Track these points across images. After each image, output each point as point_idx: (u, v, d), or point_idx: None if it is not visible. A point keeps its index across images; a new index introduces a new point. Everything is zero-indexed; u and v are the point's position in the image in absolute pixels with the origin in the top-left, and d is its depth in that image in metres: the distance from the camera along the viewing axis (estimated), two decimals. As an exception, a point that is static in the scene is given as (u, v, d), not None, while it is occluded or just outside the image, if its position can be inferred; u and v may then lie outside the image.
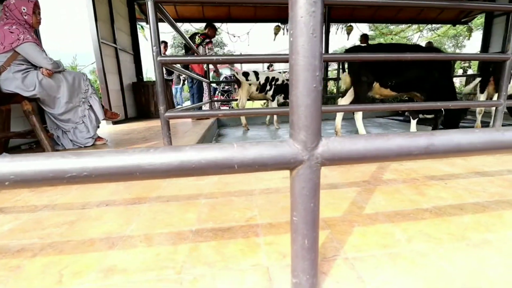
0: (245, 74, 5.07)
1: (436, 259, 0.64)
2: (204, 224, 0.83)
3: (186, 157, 0.42)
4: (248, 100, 4.97)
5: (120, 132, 3.26)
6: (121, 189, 1.20)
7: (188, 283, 0.58)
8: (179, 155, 0.42)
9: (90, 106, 2.32)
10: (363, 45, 3.10)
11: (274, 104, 5.04)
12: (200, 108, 4.59)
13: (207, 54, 4.39)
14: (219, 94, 8.10)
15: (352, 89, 3.05)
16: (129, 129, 3.43)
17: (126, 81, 4.80)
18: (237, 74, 4.91)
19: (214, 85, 8.47)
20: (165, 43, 5.49)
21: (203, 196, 1.06)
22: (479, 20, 11.98)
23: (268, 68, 7.63)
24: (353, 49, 3.12)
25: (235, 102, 5.23)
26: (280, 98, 5.09)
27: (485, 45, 6.84)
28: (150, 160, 0.41)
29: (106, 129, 3.59)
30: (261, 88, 4.98)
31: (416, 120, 2.98)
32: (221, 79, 8.02)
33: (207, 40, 4.31)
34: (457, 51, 21.90)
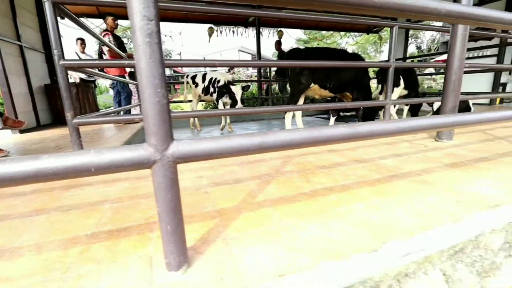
0: (194, 77, 5.02)
1: (296, 229, 0.82)
2: (102, 227, 0.87)
3: (44, 165, 0.47)
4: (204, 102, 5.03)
5: (28, 141, 2.90)
6: (17, 203, 1.12)
7: (72, 280, 0.62)
8: (37, 163, 0.47)
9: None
10: (301, 47, 3.39)
11: (220, 107, 4.58)
12: (128, 112, 4.36)
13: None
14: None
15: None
16: (41, 138, 3.07)
17: (36, 83, 4.24)
18: (187, 77, 5.02)
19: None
20: (82, 40, 4.99)
21: (109, 202, 1.08)
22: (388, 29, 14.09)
23: (229, 70, 7.47)
24: (293, 52, 3.41)
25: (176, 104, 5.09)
26: (226, 100, 4.52)
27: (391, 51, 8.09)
28: (6, 170, 0.46)
29: (11, 139, 3.13)
30: (206, 90, 4.77)
31: (335, 117, 3.43)
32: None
33: (105, 33, 4.04)
34: (377, 55, 25.33)
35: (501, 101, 5.52)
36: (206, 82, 4.80)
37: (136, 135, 3.21)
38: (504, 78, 6.01)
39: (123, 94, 4.16)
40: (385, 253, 0.72)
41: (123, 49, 4.32)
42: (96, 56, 6.61)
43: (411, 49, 23.38)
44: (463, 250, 0.88)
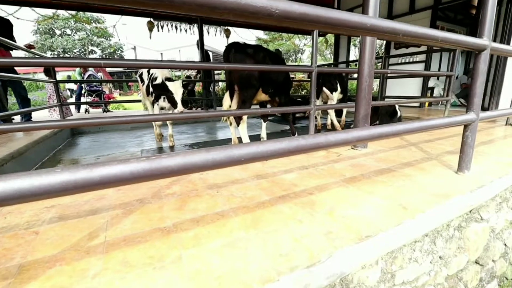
0: (141, 74, 3.76)
1: (99, 297, 0.61)
2: None
3: None
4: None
5: None
6: None
7: None
8: None
9: None
10: (241, 42, 2.95)
11: (155, 111, 3.52)
12: (28, 116, 3.79)
13: None
14: (86, 94, 6.91)
15: (236, 96, 2.93)
16: None
17: None
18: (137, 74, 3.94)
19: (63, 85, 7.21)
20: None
21: None
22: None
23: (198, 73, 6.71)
24: (234, 46, 2.81)
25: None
26: (165, 104, 3.43)
27: (336, 55, 8.40)
28: None
29: None
30: (147, 90, 3.55)
31: (266, 123, 3.29)
32: (85, 77, 6.84)
33: None
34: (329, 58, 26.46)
35: (430, 104, 6.01)
36: (147, 80, 3.55)
37: (37, 143, 2.72)
38: (431, 82, 6.57)
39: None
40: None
41: (9, 36, 3.52)
42: None
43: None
44: (324, 294, 0.75)
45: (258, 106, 3.60)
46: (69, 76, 11.57)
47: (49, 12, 6.05)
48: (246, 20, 0.63)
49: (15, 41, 3.50)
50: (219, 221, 0.95)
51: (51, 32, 27.10)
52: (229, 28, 7.16)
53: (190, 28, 6.68)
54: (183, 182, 1.35)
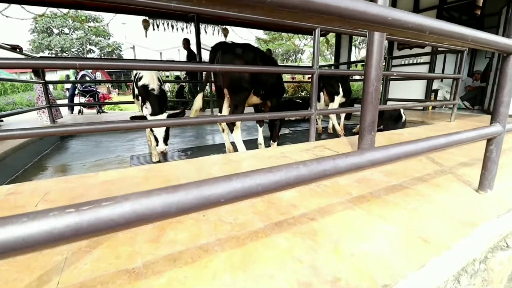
0: (136, 74, 3.11)
1: None
2: None
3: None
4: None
5: None
6: None
7: None
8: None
9: None
10: (229, 42, 2.75)
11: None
12: None
13: None
14: (80, 95, 6.71)
15: (227, 100, 2.74)
16: None
17: None
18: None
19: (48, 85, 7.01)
20: None
21: None
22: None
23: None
24: (221, 46, 2.58)
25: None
26: (146, 111, 2.75)
27: (337, 56, 8.23)
28: None
29: None
30: (133, 92, 3.10)
31: (262, 127, 3.12)
32: (78, 77, 6.62)
33: None
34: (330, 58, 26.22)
35: (433, 107, 5.84)
36: (133, 80, 3.06)
37: (17, 150, 2.55)
38: (435, 85, 6.41)
39: None
40: None
41: None
42: None
43: (364, 53, 24.82)
44: None
45: (253, 109, 3.43)
46: (67, 76, 11.32)
47: (43, 10, 5.87)
48: (236, 11, 0.45)
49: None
50: (200, 259, 0.77)
51: (48, 31, 26.87)
52: (227, 27, 6.98)
53: (186, 27, 6.50)
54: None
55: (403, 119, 3.50)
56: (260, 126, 3.07)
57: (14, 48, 3.32)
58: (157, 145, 2.57)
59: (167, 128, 2.59)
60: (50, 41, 26.19)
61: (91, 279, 0.70)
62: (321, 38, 9.88)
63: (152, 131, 2.56)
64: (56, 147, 3.76)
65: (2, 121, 4.74)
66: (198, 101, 2.71)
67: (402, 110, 3.51)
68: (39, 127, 2.60)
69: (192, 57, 6.08)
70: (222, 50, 2.54)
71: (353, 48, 9.27)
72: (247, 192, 0.50)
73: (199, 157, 1.90)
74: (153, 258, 0.79)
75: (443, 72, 6.53)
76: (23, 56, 3.41)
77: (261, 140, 3.06)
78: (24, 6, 4.68)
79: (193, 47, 6.10)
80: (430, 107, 5.72)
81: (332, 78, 3.69)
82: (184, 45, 5.60)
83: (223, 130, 2.89)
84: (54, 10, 6.87)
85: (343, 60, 7.98)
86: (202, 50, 6.25)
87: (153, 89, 2.68)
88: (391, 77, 4.79)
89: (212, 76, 3.41)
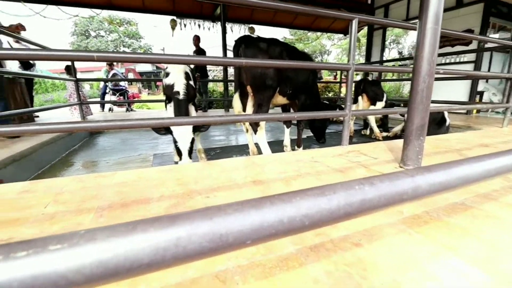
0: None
1: None
2: None
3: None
4: None
5: None
6: None
7: None
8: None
9: None
10: (254, 36, 2.59)
11: (168, 114, 2.53)
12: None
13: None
14: (111, 93, 6.95)
15: (251, 99, 2.59)
16: None
17: None
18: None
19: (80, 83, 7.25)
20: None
21: None
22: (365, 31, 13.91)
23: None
24: (244, 40, 2.46)
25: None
26: (170, 110, 2.49)
27: (368, 53, 7.79)
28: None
29: None
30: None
31: (289, 128, 2.92)
32: (109, 76, 6.83)
33: None
34: (361, 59, 25.09)
35: (478, 110, 5.27)
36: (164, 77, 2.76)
37: (44, 146, 2.58)
38: (481, 86, 5.80)
39: None
40: None
41: None
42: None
43: (393, 54, 23.58)
44: None
45: (278, 109, 3.24)
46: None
47: (76, 11, 6.13)
48: None
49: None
50: (216, 294, 0.61)
51: (86, 34, 28.61)
52: (254, 26, 6.86)
53: (213, 26, 6.47)
54: (182, 207, 1.03)
55: (447, 123, 3.12)
56: (287, 127, 2.88)
57: (18, 28, 3.14)
58: (180, 159, 2.18)
59: (192, 139, 2.23)
60: (87, 43, 27.86)
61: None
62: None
63: (175, 142, 2.16)
64: (85, 143, 3.84)
65: (37, 116, 4.98)
66: (236, 103, 2.57)
67: (446, 113, 3.14)
68: (67, 121, 2.62)
69: (201, 54, 5.99)
70: (245, 44, 2.39)
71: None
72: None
73: (221, 159, 1.75)
74: (159, 286, 0.63)
75: (489, 71, 5.90)
76: (39, 48, 3.49)
77: (287, 142, 2.87)
78: (60, 7, 4.93)
79: (217, 46, 6.03)
80: (475, 111, 5.16)
81: (377, 84, 3.40)
82: (194, 42, 5.50)
83: (247, 131, 2.73)
84: (91, 13, 7.18)
85: (374, 58, 7.53)
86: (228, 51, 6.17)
87: (177, 92, 2.26)
88: (436, 76, 4.35)
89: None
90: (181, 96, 2.26)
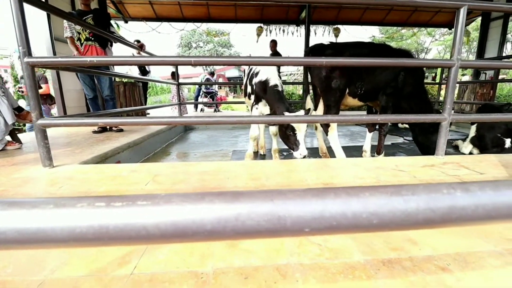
0: (249, 71, 2.84)
1: None
2: None
3: None
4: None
5: (60, 136, 3.08)
6: None
7: None
8: None
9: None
10: (326, 43, 2.60)
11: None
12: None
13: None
14: (203, 96, 7.88)
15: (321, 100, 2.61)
16: (73, 133, 3.25)
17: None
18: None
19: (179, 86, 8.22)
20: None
21: None
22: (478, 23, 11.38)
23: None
24: (317, 48, 2.54)
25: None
26: (265, 109, 2.53)
27: (481, 49, 6.41)
28: None
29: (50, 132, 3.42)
30: (245, 89, 2.87)
31: (372, 132, 2.66)
32: (200, 79, 7.71)
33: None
34: (470, 56, 20.83)
35: None
36: (246, 77, 2.83)
37: (147, 138, 3.11)
38: None
39: (90, 94, 3.13)
40: None
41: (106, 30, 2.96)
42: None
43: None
44: None
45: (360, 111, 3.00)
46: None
47: (182, 26, 7.17)
48: None
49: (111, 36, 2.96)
50: (276, 285, 0.62)
51: (189, 45, 33.30)
52: (339, 26, 6.56)
53: (297, 31, 6.52)
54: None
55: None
56: (369, 132, 2.64)
57: (140, 46, 3.96)
58: (295, 149, 2.12)
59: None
60: (189, 53, 32.36)
61: (162, 274, 0.66)
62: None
63: (291, 132, 2.10)
64: (180, 137, 4.48)
65: (149, 114, 6.08)
66: (309, 103, 2.59)
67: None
68: (168, 116, 3.12)
69: None
70: (312, 54, 2.54)
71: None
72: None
73: (292, 159, 1.76)
74: (225, 266, 0.69)
75: None
76: (147, 55, 4.19)
77: (367, 147, 2.64)
78: (171, 23, 5.93)
79: (299, 49, 6.04)
80: None
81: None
82: (271, 47, 5.58)
83: (316, 128, 2.79)
84: (194, 27, 8.30)
85: (490, 54, 6.12)
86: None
87: (275, 85, 2.30)
88: None
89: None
90: (280, 88, 2.36)
